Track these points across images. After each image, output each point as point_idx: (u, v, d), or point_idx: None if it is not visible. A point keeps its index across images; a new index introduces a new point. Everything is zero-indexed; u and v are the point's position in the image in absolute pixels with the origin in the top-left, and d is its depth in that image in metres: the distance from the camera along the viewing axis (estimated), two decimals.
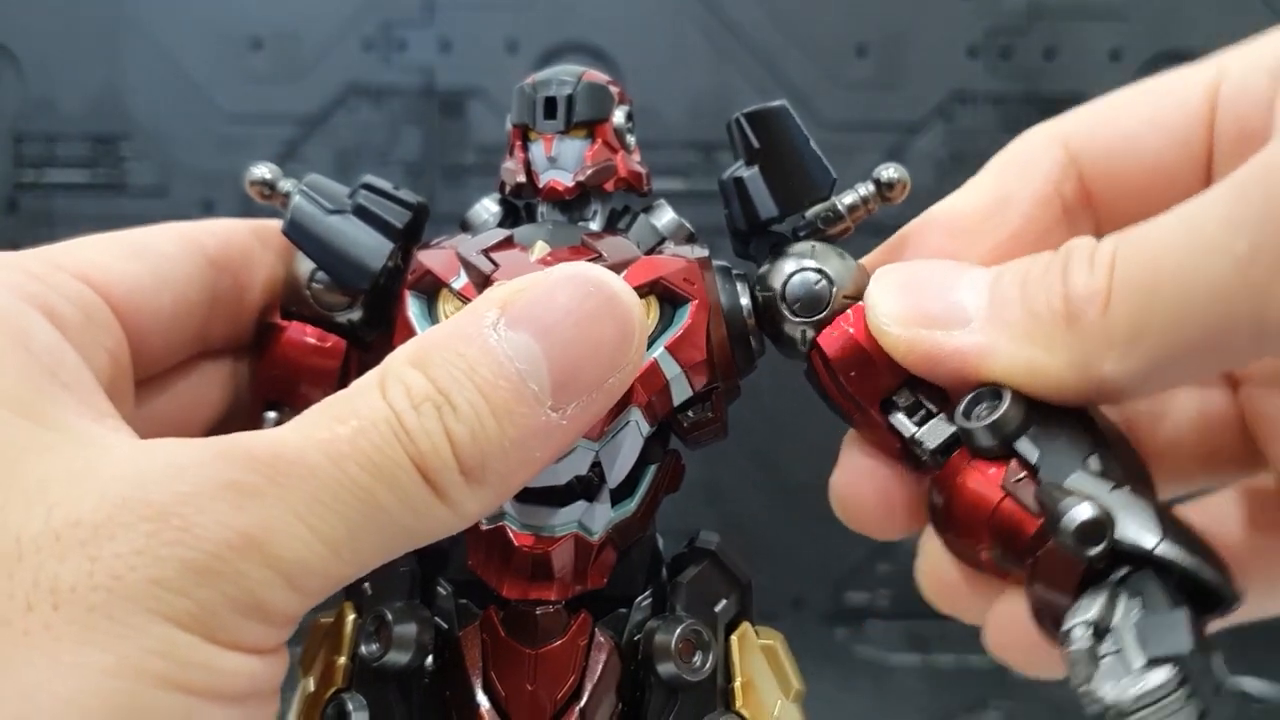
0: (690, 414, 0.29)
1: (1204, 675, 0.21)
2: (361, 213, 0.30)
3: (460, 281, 0.28)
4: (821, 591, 0.81)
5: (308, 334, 0.30)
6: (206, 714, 0.20)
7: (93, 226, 0.29)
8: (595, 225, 0.31)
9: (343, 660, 0.29)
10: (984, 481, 0.26)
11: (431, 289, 0.29)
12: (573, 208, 0.31)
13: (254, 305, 0.31)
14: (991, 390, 0.26)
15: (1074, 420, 0.26)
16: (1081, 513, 0.22)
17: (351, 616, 0.30)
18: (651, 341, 0.28)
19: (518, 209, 0.33)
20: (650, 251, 0.30)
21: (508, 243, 0.29)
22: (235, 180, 0.84)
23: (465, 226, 0.32)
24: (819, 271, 0.28)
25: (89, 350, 0.25)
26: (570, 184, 0.30)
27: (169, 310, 0.29)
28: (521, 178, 0.31)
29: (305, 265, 0.31)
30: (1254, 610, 0.26)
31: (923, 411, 0.27)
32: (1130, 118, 0.29)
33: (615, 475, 0.28)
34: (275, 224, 0.31)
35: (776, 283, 0.29)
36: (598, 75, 0.31)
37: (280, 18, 0.76)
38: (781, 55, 0.77)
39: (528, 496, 0.28)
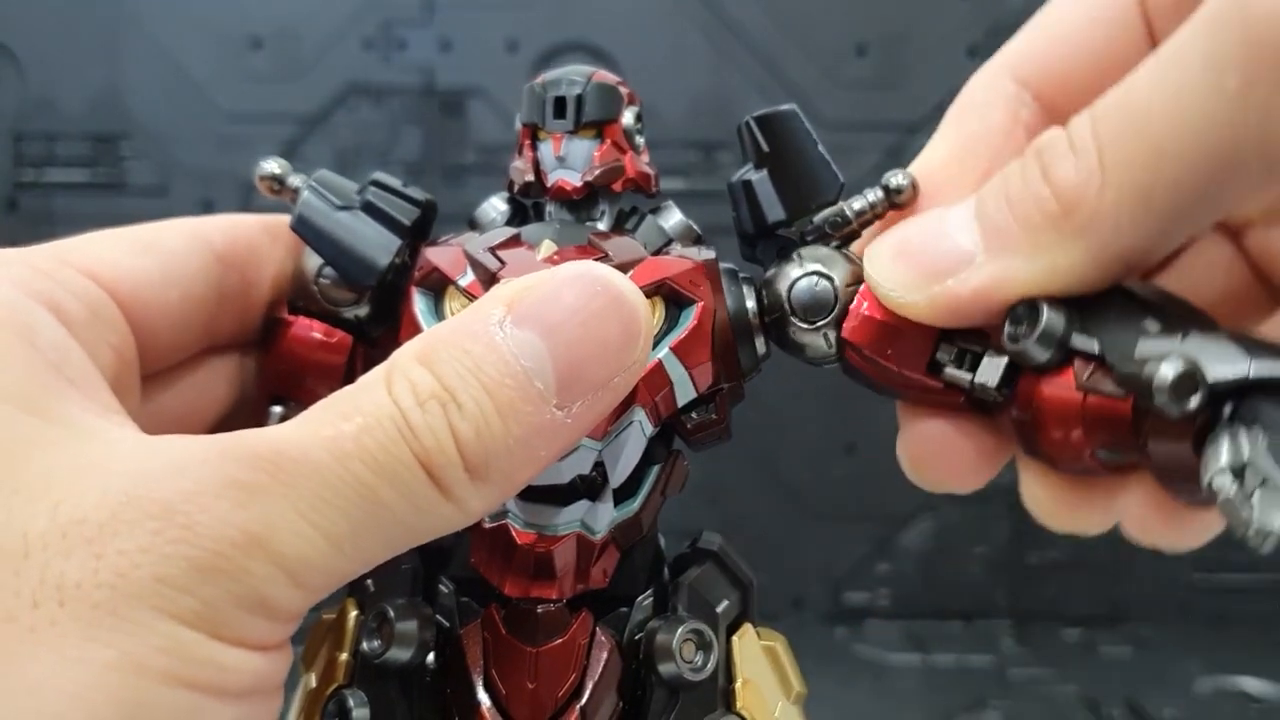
0: (694, 415, 0.29)
1: None
2: (370, 209, 0.30)
3: (467, 279, 0.28)
4: (821, 591, 0.81)
5: (314, 329, 0.30)
6: (211, 710, 0.20)
7: (93, 226, 0.29)
8: (603, 225, 0.31)
9: (345, 657, 0.29)
10: (1059, 390, 0.25)
11: (438, 286, 0.29)
12: (580, 207, 0.31)
13: (262, 301, 0.31)
14: (1026, 306, 0.26)
15: (1113, 297, 0.25)
16: (1168, 372, 0.22)
17: (354, 613, 0.30)
18: (656, 342, 0.28)
19: (526, 208, 0.33)
20: (657, 252, 0.30)
21: (515, 241, 0.29)
22: (235, 179, 0.84)
23: (473, 225, 0.32)
24: (825, 276, 0.28)
25: (94, 346, 0.25)
26: (578, 184, 0.30)
27: (176, 306, 0.28)
28: (530, 177, 0.31)
29: (313, 261, 0.30)
30: None
31: (969, 357, 0.27)
32: (1064, 25, 0.29)
33: (618, 475, 0.28)
34: (284, 219, 0.31)
35: (783, 287, 0.29)
36: (608, 75, 0.31)
37: (280, 17, 0.76)
38: (781, 55, 0.77)
39: (531, 495, 0.28)
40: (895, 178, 0.28)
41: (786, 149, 0.29)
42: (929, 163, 0.29)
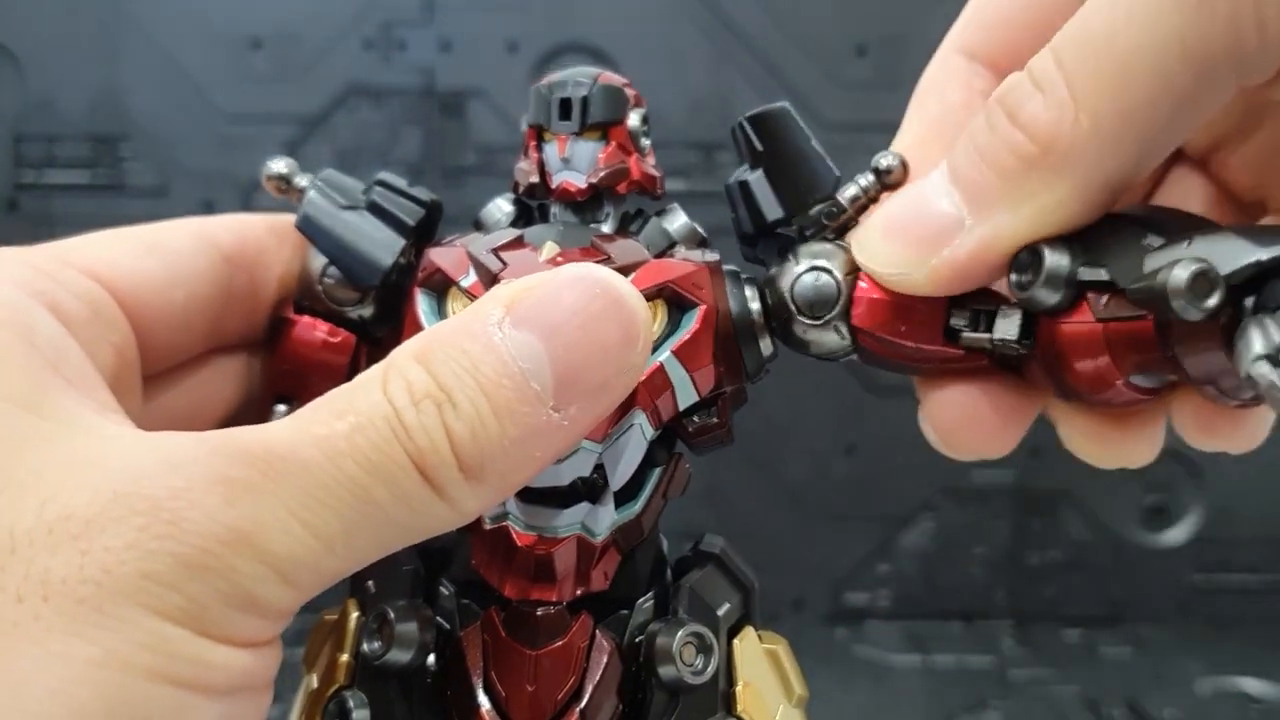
0: (696, 419, 0.29)
1: None
2: (375, 209, 0.30)
3: (469, 280, 0.28)
4: (821, 592, 0.81)
5: (318, 329, 0.31)
6: (197, 706, 0.20)
7: (93, 227, 0.29)
8: (607, 227, 0.31)
9: (345, 658, 0.29)
10: (1079, 325, 0.25)
11: (441, 287, 0.29)
12: (585, 209, 0.31)
13: (269, 300, 0.31)
14: (1027, 253, 0.25)
15: (1108, 225, 0.25)
16: (1181, 275, 0.21)
17: (355, 614, 0.30)
18: (658, 345, 0.28)
19: (531, 209, 0.33)
20: (661, 255, 0.30)
21: (518, 242, 0.29)
22: (235, 180, 0.84)
23: (479, 225, 0.32)
24: (825, 270, 0.28)
25: (94, 345, 0.25)
26: (583, 185, 0.30)
27: (180, 306, 0.29)
28: (535, 178, 0.31)
29: (318, 260, 0.31)
30: None
31: (983, 316, 0.27)
32: None
33: (618, 478, 0.28)
34: (291, 219, 0.31)
35: (785, 285, 0.29)
36: (614, 77, 0.31)
37: (280, 18, 0.76)
38: (781, 55, 0.77)
39: (531, 497, 0.28)
40: (884, 159, 0.29)
41: (781, 147, 0.29)
42: (898, 150, 0.29)
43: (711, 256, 0.30)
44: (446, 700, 0.28)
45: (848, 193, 0.29)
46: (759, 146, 0.29)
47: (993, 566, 0.80)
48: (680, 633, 0.28)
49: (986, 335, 0.27)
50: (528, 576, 0.28)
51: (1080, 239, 0.25)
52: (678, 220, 0.32)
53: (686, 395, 0.28)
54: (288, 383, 0.31)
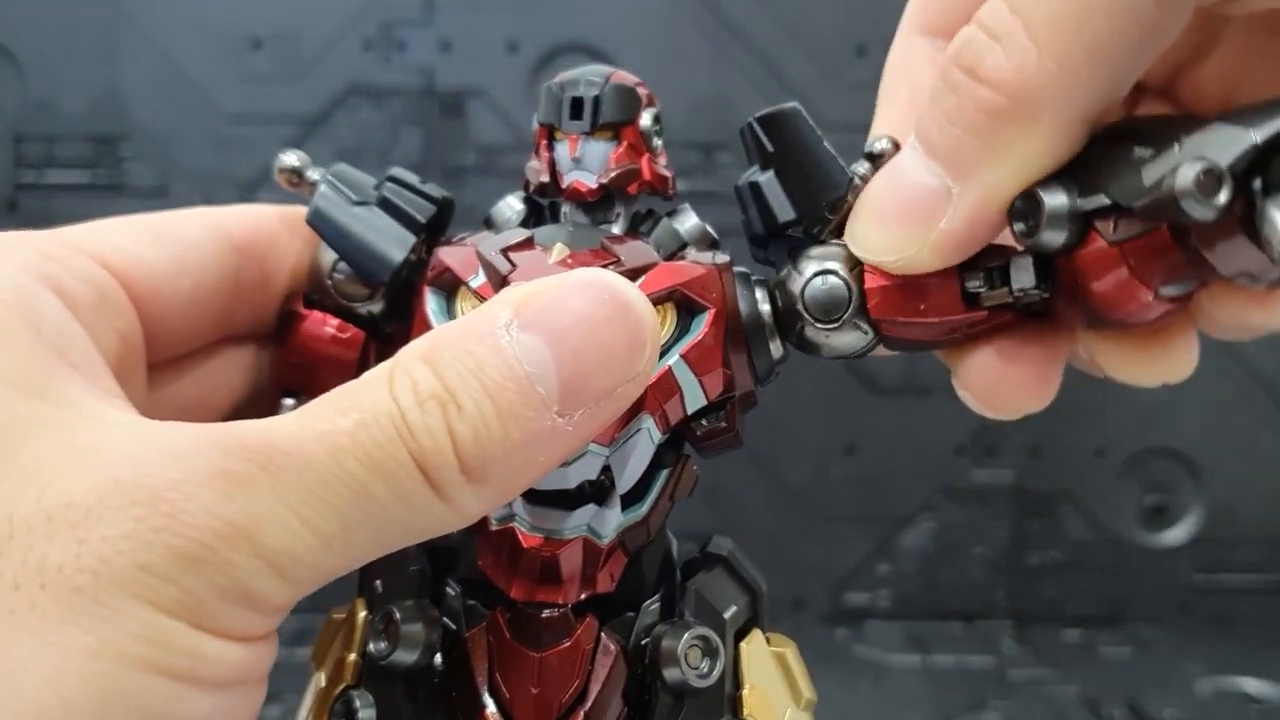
0: (704, 422, 0.29)
1: None
2: (386, 205, 0.30)
3: (478, 280, 0.28)
4: (821, 592, 0.81)
5: (328, 324, 0.30)
6: (189, 698, 0.20)
7: None
8: (618, 227, 0.31)
9: (353, 657, 0.29)
10: (1096, 254, 0.25)
11: (450, 286, 0.29)
12: (596, 209, 0.31)
13: (280, 292, 0.31)
14: (1022, 200, 0.25)
15: (1093, 151, 0.25)
16: (1186, 177, 0.21)
17: (363, 613, 0.30)
18: (667, 349, 0.28)
19: (542, 207, 0.33)
20: (671, 256, 0.30)
21: (528, 243, 0.29)
22: (235, 180, 0.84)
23: (489, 224, 0.32)
24: (834, 274, 0.28)
25: (99, 331, 0.25)
26: (594, 185, 0.30)
27: (188, 294, 0.28)
28: (545, 177, 0.31)
29: (328, 255, 0.30)
30: None
31: (997, 273, 0.27)
32: None
33: (625, 481, 0.28)
34: (303, 210, 0.31)
35: (796, 287, 0.28)
36: (627, 76, 0.31)
37: (280, 18, 0.76)
38: (781, 55, 0.77)
39: (538, 499, 0.27)
40: (878, 143, 0.28)
41: (792, 148, 0.29)
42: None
43: (722, 258, 0.30)
44: (451, 701, 0.28)
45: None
46: (770, 147, 0.29)
47: (993, 566, 0.80)
48: (686, 635, 0.28)
49: (1005, 290, 0.27)
50: (534, 578, 0.28)
51: (1070, 171, 0.25)
52: (689, 221, 0.32)
53: (695, 399, 0.28)
54: (296, 376, 0.31)
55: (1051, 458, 0.79)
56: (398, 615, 0.28)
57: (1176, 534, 0.80)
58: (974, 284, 0.27)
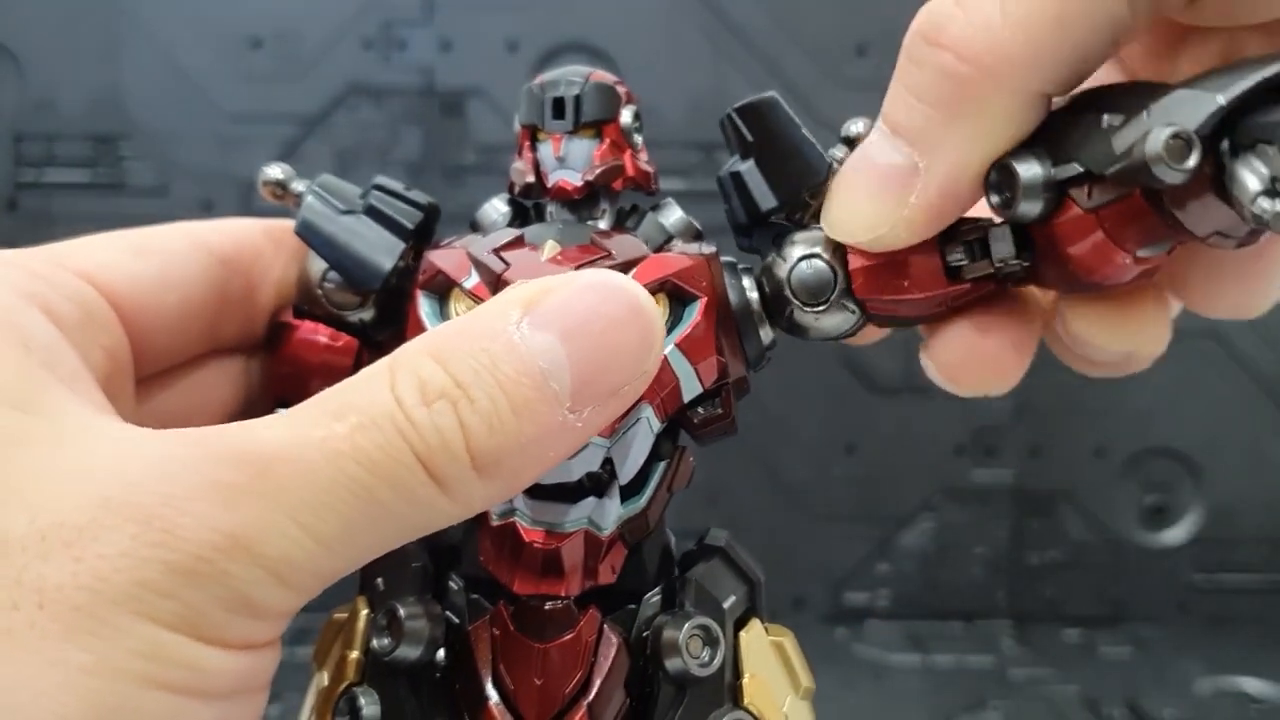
0: (700, 410, 0.29)
1: None
2: (373, 213, 0.30)
3: (472, 281, 0.29)
4: (821, 591, 0.81)
5: (320, 333, 0.31)
6: (192, 711, 0.20)
7: (93, 226, 0.29)
8: (604, 224, 0.32)
9: (355, 654, 0.30)
10: (1072, 221, 0.25)
11: (443, 289, 0.29)
12: (581, 207, 0.31)
13: (266, 304, 0.32)
14: (996, 172, 0.25)
15: (1061, 119, 0.25)
16: (1155, 143, 0.22)
17: (364, 611, 0.30)
18: None
19: (527, 209, 0.33)
20: (658, 249, 0.30)
21: (518, 242, 0.29)
22: (235, 180, 0.84)
23: (475, 227, 0.33)
24: (819, 257, 0.29)
25: (86, 348, 0.25)
26: (579, 183, 0.30)
27: (174, 309, 0.29)
28: (530, 178, 0.31)
29: (317, 265, 0.31)
30: None
31: (976, 245, 0.27)
32: None
33: (626, 472, 0.28)
34: (287, 224, 0.31)
35: (782, 273, 0.29)
36: (605, 75, 0.31)
37: (280, 17, 0.76)
38: (781, 55, 0.77)
39: (539, 493, 0.28)
40: (853, 126, 0.29)
41: (772, 137, 0.29)
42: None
43: (709, 249, 0.30)
44: (455, 695, 0.29)
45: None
46: (749, 137, 0.29)
47: (992, 566, 0.80)
48: (686, 625, 0.28)
49: (987, 261, 0.27)
50: (536, 572, 0.28)
51: (1040, 140, 0.25)
52: (673, 215, 0.32)
53: (691, 387, 0.28)
54: (289, 386, 0.31)
55: (1051, 458, 0.79)
56: (401, 611, 0.28)
57: (1176, 534, 0.80)
58: (955, 257, 0.28)
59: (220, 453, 0.21)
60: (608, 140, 0.31)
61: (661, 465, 0.29)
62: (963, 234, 0.28)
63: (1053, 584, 0.81)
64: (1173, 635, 0.78)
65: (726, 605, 0.30)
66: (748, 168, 0.29)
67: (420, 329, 0.29)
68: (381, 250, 0.30)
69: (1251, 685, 0.73)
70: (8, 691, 0.18)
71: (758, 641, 0.30)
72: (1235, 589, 0.80)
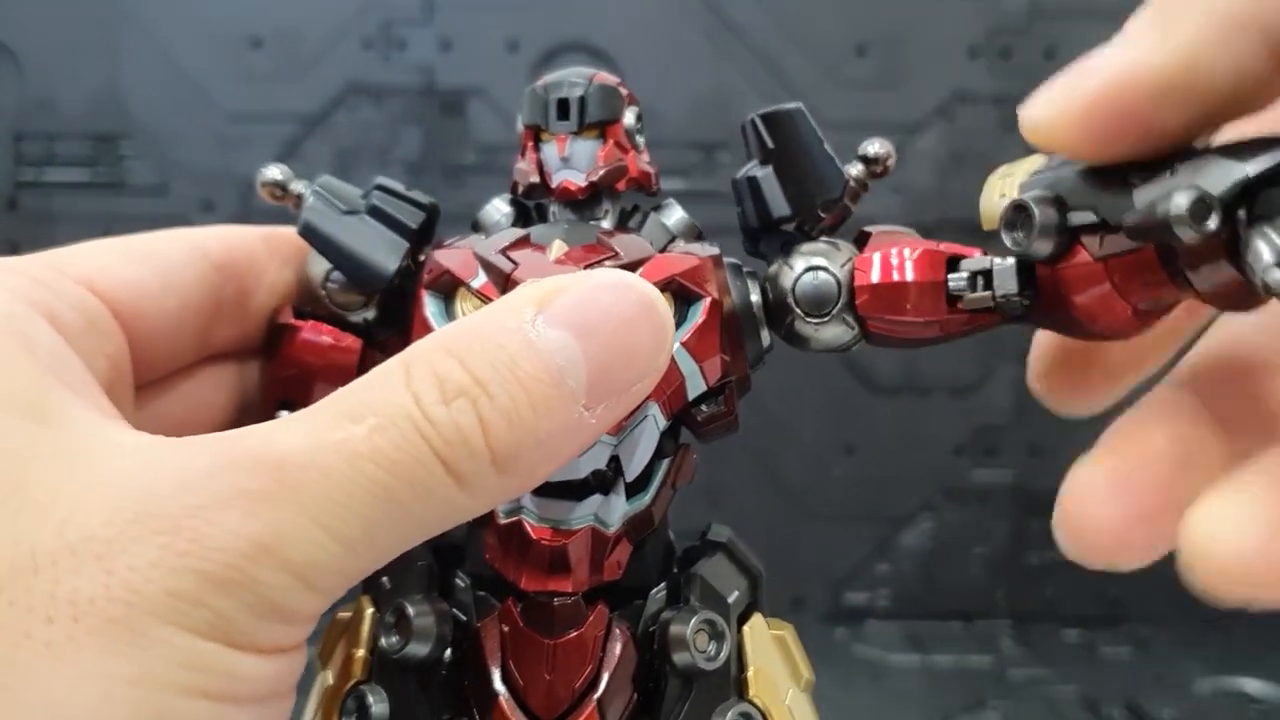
0: (704, 408, 0.29)
1: None
2: (376, 213, 0.30)
3: (479, 281, 0.29)
4: (821, 591, 0.81)
5: (323, 333, 0.31)
6: (229, 717, 0.20)
7: (93, 225, 0.29)
8: (606, 224, 0.32)
9: (361, 653, 0.30)
10: (1079, 267, 0.26)
11: (449, 288, 0.29)
12: (584, 207, 0.31)
13: (260, 310, 0.32)
14: (1015, 209, 0.26)
15: (1088, 175, 0.26)
16: (1181, 202, 0.22)
17: (369, 610, 0.30)
18: None
19: (529, 209, 0.33)
20: (661, 250, 0.30)
21: (524, 242, 0.29)
22: (235, 179, 0.84)
23: (477, 227, 0.33)
24: (824, 270, 0.29)
25: (90, 356, 0.25)
26: (583, 184, 0.31)
27: (173, 315, 0.29)
28: (535, 178, 0.31)
29: (319, 266, 0.31)
30: None
31: (980, 278, 0.28)
32: None
33: (633, 469, 0.28)
34: (282, 230, 0.31)
35: (787, 282, 0.29)
36: (608, 77, 0.32)
37: (280, 17, 0.76)
38: (781, 55, 0.77)
39: (546, 490, 0.28)
40: (872, 147, 0.30)
41: (792, 147, 0.29)
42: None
43: (711, 250, 0.30)
44: (463, 691, 0.29)
45: None
46: (770, 144, 0.30)
47: (992, 566, 0.81)
48: (693, 620, 0.28)
49: (989, 294, 0.28)
50: (543, 568, 0.28)
51: (1067, 186, 0.26)
52: (675, 215, 0.32)
53: (696, 385, 0.29)
54: (291, 388, 0.31)
55: (1051, 458, 0.79)
56: (410, 609, 0.28)
57: None
58: (957, 284, 0.28)
59: (241, 460, 0.21)
60: (611, 141, 0.31)
61: (665, 462, 0.29)
62: (966, 265, 0.28)
63: (1052, 584, 0.81)
64: (1173, 635, 0.78)
65: (731, 600, 0.30)
66: (765, 174, 0.30)
67: (426, 328, 0.29)
68: (385, 250, 0.30)
69: (1251, 685, 0.73)
70: (55, 706, 0.19)
71: (760, 635, 0.30)
72: None
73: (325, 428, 0.22)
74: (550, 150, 0.31)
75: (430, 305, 0.29)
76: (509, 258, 0.29)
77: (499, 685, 0.28)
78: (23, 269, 0.26)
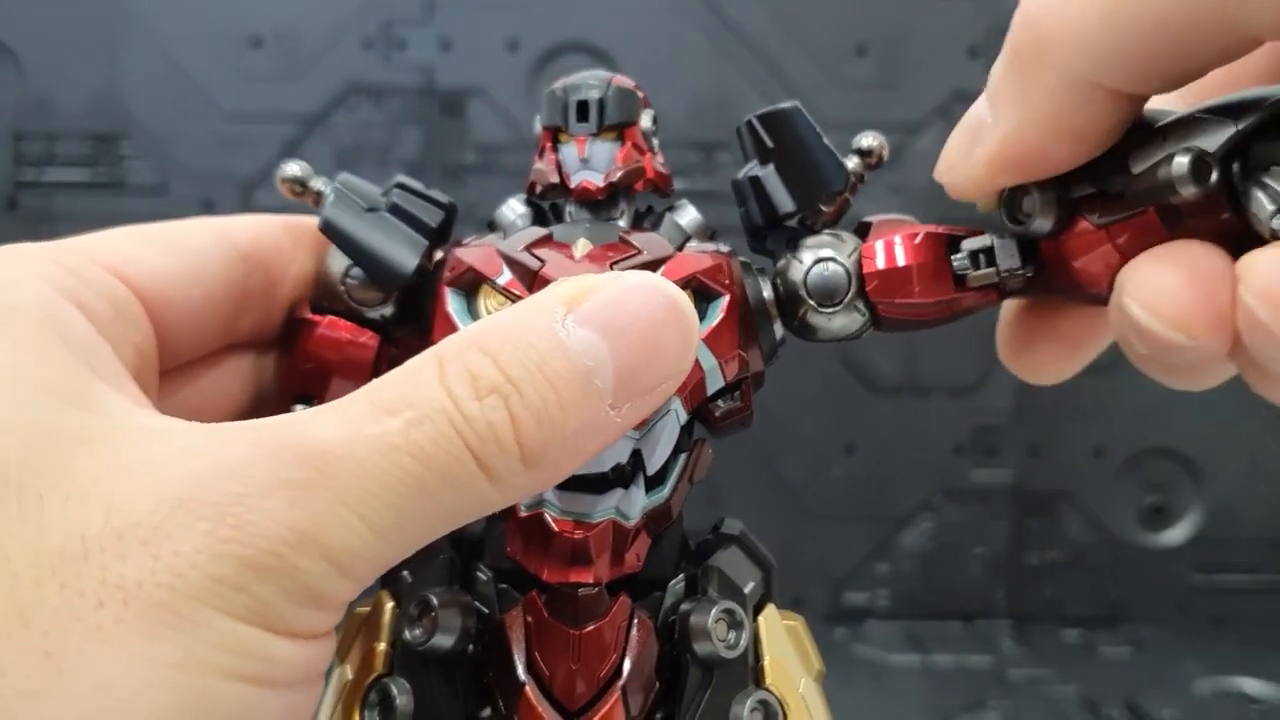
0: (721, 403, 0.30)
1: None
2: (397, 211, 0.31)
3: (505, 277, 0.29)
4: (821, 591, 0.81)
5: (341, 329, 0.31)
6: (266, 701, 0.21)
7: (93, 225, 0.29)
8: (623, 224, 0.32)
9: (383, 647, 0.30)
10: (1081, 235, 0.26)
11: (471, 285, 0.30)
12: (601, 208, 0.32)
13: (284, 299, 0.32)
14: (1011, 190, 0.27)
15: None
16: (1182, 162, 0.23)
17: (389, 604, 0.31)
18: None
19: (543, 209, 0.33)
20: (678, 249, 0.31)
21: (547, 240, 0.30)
22: (235, 179, 0.84)
23: (493, 226, 0.33)
24: (836, 261, 0.30)
25: (119, 345, 0.26)
26: (602, 184, 0.31)
27: (199, 304, 0.29)
28: (554, 178, 0.32)
29: (339, 261, 0.31)
30: None
31: (980, 254, 0.29)
32: None
33: (654, 463, 0.29)
34: (305, 219, 0.32)
35: (798, 275, 0.30)
36: (625, 79, 0.32)
37: (280, 16, 0.76)
38: (781, 55, 0.77)
39: (568, 484, 0.28)
40: (865, 139, 0.31)
41: (792, 144, 0.30)
42: None
43: (725, 248, 0.31)
44: (486, 683, 0.29)
45: None
46: (769, 143, 0.30)
47: (992, 566, 0.81)
48: (714, 610, 0.29)
49: (993, 270, 0.29)
50: (565, 560, 0.28)
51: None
52: (688, 215, 0.33)
53: (715, 381, 0.29)
54: (309, 382, 0.31)
55: (1051, 458, 0.79)
56: (435, 602, 0.29)
57: (1176, 534, 0.80)
58: (960, 263, 0.29)
59: (283, 450, 0.21)
60: (629, 143, 0.32)
61: (683, 457, 0.30)
62: (967, 243, 0.29)
63: (1052, 584, 0.81)
64: (1172, 635, 0.78)
65: (747, 590, 0.31)
66: (767, 173, 0.30)
67: (449, 324, 0.29)
68: (405, 248, 0.30)
69: (1251, 685, 0.73)
70: (105, 690, 0.19)
71: (774, 625, 0.31)
72: (1235, 589, 0.80)
73: (363, 420, 0.22)
74: (569, 151, 0.32)
75: (453, 302, 0.30)
76: (535, 255, 0.29)
77: (524, 675, 0.28)
78: (54, 257, 0.26)
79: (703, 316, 0.29)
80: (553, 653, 0.28)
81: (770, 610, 0.31)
